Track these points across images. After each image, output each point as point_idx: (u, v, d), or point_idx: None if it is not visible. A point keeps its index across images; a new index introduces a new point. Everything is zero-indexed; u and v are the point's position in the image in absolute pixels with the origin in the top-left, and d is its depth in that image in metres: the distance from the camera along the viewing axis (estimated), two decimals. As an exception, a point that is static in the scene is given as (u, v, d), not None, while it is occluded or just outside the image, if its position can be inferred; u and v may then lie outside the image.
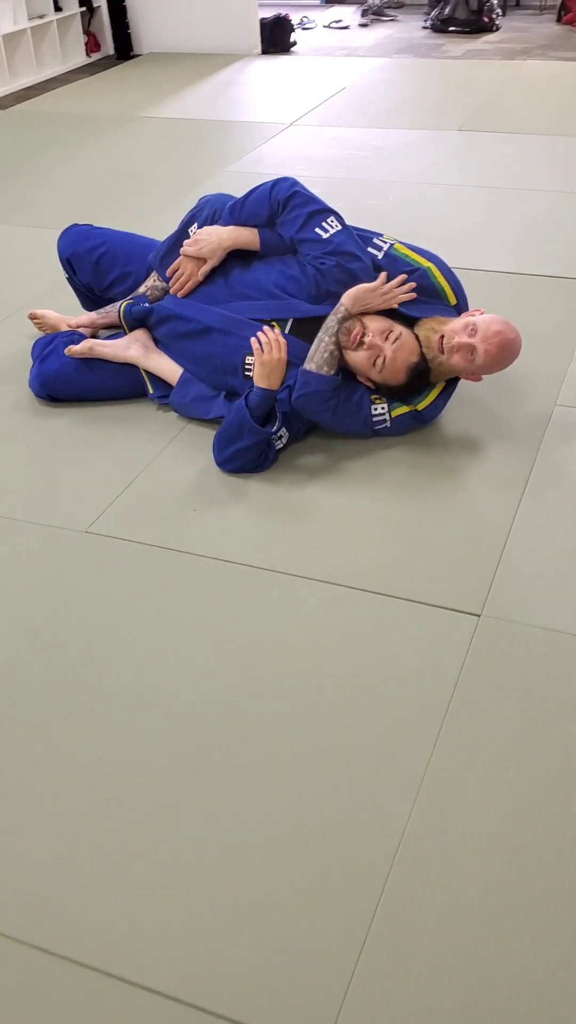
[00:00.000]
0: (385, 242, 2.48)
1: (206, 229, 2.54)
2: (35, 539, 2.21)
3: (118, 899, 1.45)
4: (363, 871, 1.47)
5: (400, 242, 2.49)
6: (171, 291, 2.60)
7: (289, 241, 2.46)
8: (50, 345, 2.77)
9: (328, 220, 2.41)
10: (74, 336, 2.79)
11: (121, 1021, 1.30)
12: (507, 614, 1.94)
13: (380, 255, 2.44)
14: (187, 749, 1.68)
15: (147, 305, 2.63)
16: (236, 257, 2.56)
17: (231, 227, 2.52)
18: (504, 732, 1.69)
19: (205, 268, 2.53)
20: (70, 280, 2.92)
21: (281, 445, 2.40)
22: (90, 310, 2.90)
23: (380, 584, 2.03)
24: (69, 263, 2.85)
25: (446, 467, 2.39)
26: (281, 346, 2.28)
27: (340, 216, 2.44)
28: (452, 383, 2.46)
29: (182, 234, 2.61)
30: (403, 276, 2.37)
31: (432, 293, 2.42)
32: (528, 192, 4.13)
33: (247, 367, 2.42)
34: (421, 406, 2.41)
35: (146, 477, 2.41)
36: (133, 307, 2.63)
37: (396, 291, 2.34)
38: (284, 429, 2.37)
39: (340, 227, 2.41)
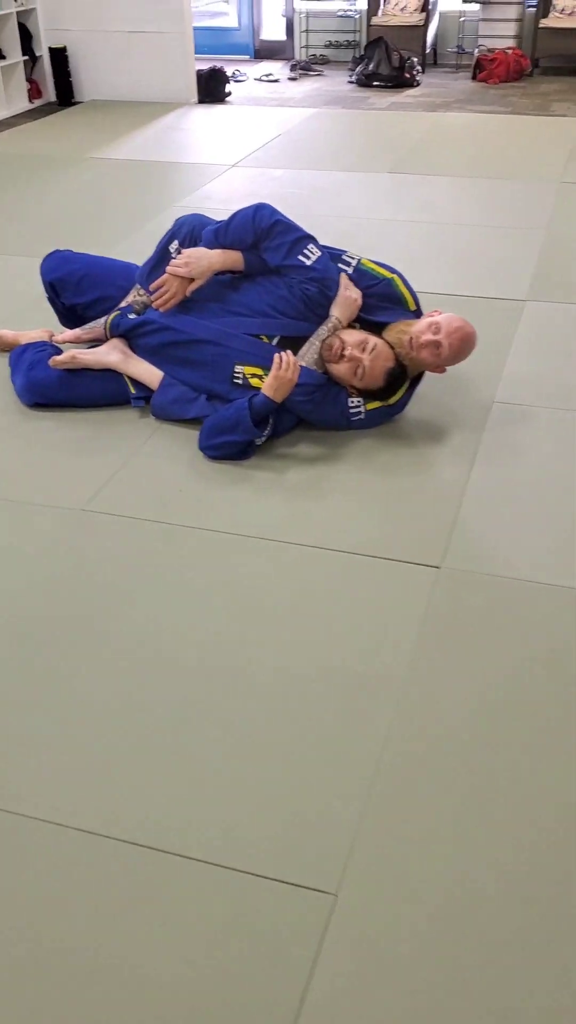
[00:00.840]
0: (352, 258, 2.80)
1: (196, 251, 2.77)
2: (38, 515, 2.45)
3: (150, 787, 1.69)
4: (351, 766, 1.74)
5: (365, 257, 2.82)
6: (155, 306, 2.83)
7: (274, 267, 2.73)
8: (23, 355, 3.02)
9: (308, 247, 2.69)
10: (47, 345, 3.05)
11: (157, 884, 1.53)
12: (463, 565, 2.25)
13: (350, 270, 2.77)
14: (197, 674, 1.94)
15: (135, 317, 2.88)
16: (225, 277, 2.81)
17: (219, 250, 2.76)
18: (466, 662, 1.98)
19: (192, 287, 2.77)
20: (52, 301, 3.13)
21: (260, 442, 2.68)
22: (70, 328, 3.14)
23: (350, 544, 2.32)
24: (52, 286, 3.07)
25: (406, 447, 2.71)
26: (296, 370, 2.58)
27: (316, 240, 2.73)
28: (417, 379, 2.79)
29: (164, 252, 2.88)
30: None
31: (396, 300, 2.76)
32: (453, 226, 4.55)
33: (236, 376, 2.71)
34: (392, 400, 2.73)
35: (132, 466, 2.66)
36: (122, 319, 2.89)
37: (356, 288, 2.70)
38: (269, 433, 2.66)
39: (319, 253, 2.70)
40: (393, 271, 2.82)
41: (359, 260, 2.81)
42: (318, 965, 1.42)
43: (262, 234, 2.70)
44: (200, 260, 2.76)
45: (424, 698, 1.88)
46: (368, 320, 2.77)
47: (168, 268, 2.80)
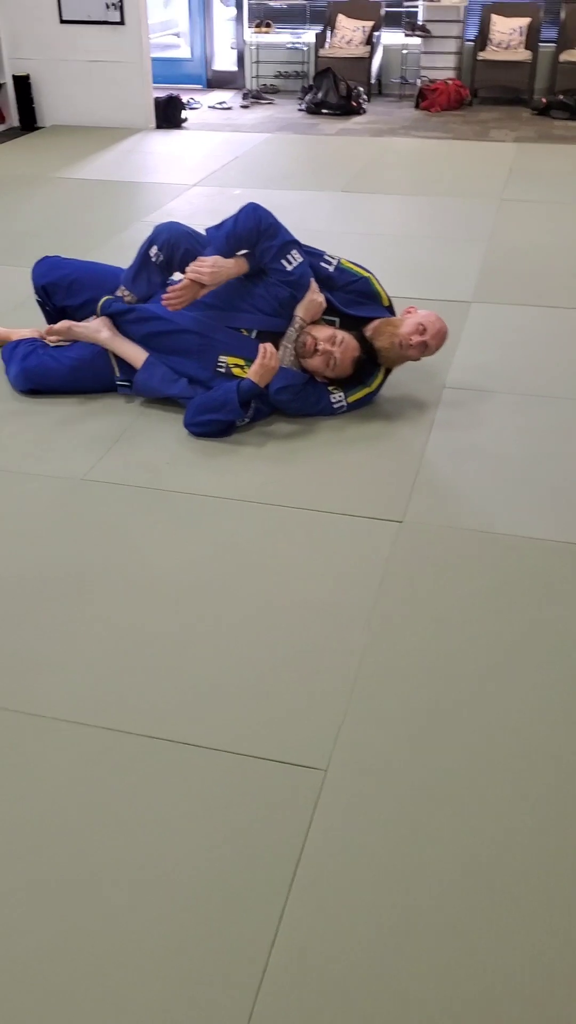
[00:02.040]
0: (333, 259, 3.11)
1: (220, 261, 2.95)
2: (41, 485, 2.70)
3: (159, 692, 1.95)
4: (334, 671, 2.02)
5: (343, 258, 3.14)
6: (166, 304, 2.99)
7: (261, 265, 3.00)
8: (16, 349, 3.28)
9: (292, 252, 2.97)
10: (37, 341, 3.30)
11: (168, 768, 1.80)
12: (422, 519, 2.55)
13: (331, 268, 3.08)
14: (192, 605, 2.21)
15: (125, 304, 3.13)
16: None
17: (233, 260, 2.97)
18: (426, 594, 2.28)
19: (204, 291, 2.99)
20: (41, 304, 3.36)
21: (241, 424, 2.97)
22: None
23: (323, 504, 2.61)
24: (44, 289, 3.30)
25: (370, 423, 3.03)
26: (277, 359, 2.88)
27: (299, 245, 3.01)
28: (386, 373, 3.11)
29: (145, 256, 3.13)
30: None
31: (372, 296, 3.10)
32: (404, 238, 4.92)
33: (219, 365, 3.00)
34: (373, 387, 3.07)
35: (123, 442, 2.93)
36: (113, 302, 3.14)
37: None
38: (251, 416, 2.96)
39: (301, 259, 2.99)
40: (368, 271, 3.14)
41: (339, 260, 3.12)
42: (312, 828, 1.69)
43: (261, 234, 2.96)
44: (222, 271, 2.96)
45: (392, 620, 2.18)
46: (347, 314, 3.07)
47: (190, 272, 2.96)
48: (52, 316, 3.38)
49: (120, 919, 1.53)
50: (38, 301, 3.38)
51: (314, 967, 1.46)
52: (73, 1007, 1.41)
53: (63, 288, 3.28)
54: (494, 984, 1.45)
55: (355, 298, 3.08)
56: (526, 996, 1.43)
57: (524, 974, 1.46)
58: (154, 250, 3.15)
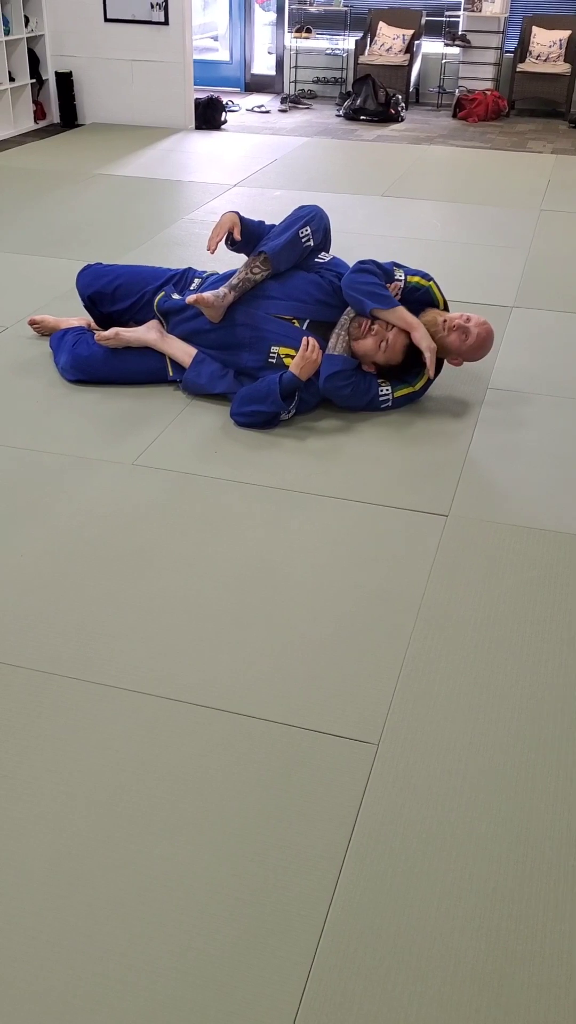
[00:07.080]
0: (401, 276, 3.17)
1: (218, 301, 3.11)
2: (94, 468, 2.78)
3: (215, 666, 2.02)
4: (384, 652, 2.08)
5: (408, 275, 3.18)
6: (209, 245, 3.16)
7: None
8: (64, 338, 3.35)
9: (304, 229, 3.14)
10: (84, 331, 3.37)
11: (226, 738, 1.86)
12: (468, 513, 2.61)
13: (402, 283, 3.15)
14: (243, 587, 2.28)
15: (178, 298, 3.21)
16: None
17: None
18: (473, 584, 2.34)
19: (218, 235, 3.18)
20: (89, 310, 3.41)
21: (286, 417, 3.04)
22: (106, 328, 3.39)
23: (369, 496, 2.68)
24: (90, 299, 3.36)
25: (414, 422, 3.09)
26: (319, 352, 2.97)
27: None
28: (436, 370, 3.16)
29: (296, 236, 3.14)
30: None
31: (432, 304, 3.19)
32: (445, 243, 4.98)
33: (271, 356, 3.07)
34: (417, 386, 3.14)
35: (171, 431, 3.00)
36: (166, 300, 3.23)
37: None
38: (294, 409, 3.02)
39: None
40: (429, 277, 3.23)
41: (406, 277, 3.17)
42: (366, 796, 1.75)
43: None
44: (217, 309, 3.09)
45: (440, 607, 2.24)
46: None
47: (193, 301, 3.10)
48: (101, 321, 3.43)
49: (180, 880, 1.59)
50: (85, 307, 3.42)
51: (369, 925, 1.52)
52: (146, 951, 1.48)
53: (107, 296, 3.33)
54: (543, 947, 1.50)
55: (418, 306, 3.14)
56: (574, 960, 1.48)
57: (573, 939, 1.51)
58: (306, 231, 3.16)
